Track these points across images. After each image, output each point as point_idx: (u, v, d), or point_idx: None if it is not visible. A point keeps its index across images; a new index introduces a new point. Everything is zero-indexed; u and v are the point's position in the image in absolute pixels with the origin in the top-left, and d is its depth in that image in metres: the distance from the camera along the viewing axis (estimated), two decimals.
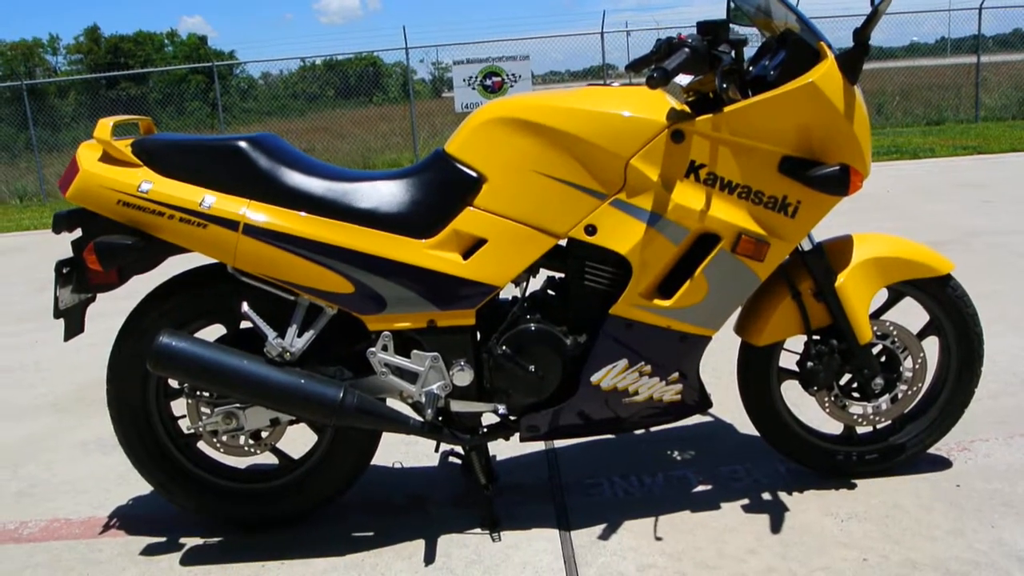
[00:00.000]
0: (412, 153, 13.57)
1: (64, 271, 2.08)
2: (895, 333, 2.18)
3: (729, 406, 2.31)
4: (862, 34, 1.86)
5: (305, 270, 1.97)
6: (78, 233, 2.07)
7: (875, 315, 2.22)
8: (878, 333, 2.17)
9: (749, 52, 2.22)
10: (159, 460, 2.20)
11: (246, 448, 2.18)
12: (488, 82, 12.64)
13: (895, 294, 2.22)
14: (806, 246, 2.07)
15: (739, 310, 2.20)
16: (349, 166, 14.02)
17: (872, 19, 1.83)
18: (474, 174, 1.97)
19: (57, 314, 2.10)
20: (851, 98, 1.90)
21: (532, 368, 2.02)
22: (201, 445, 2.25)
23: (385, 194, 2.01)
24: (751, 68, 2.17)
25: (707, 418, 2.74)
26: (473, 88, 12.69)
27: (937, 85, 16.31)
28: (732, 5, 2.27)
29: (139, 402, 2.16)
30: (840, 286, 2.08)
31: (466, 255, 1.98)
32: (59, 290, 2.08)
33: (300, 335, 2.06)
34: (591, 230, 1.94)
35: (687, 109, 1.93)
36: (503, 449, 2.56)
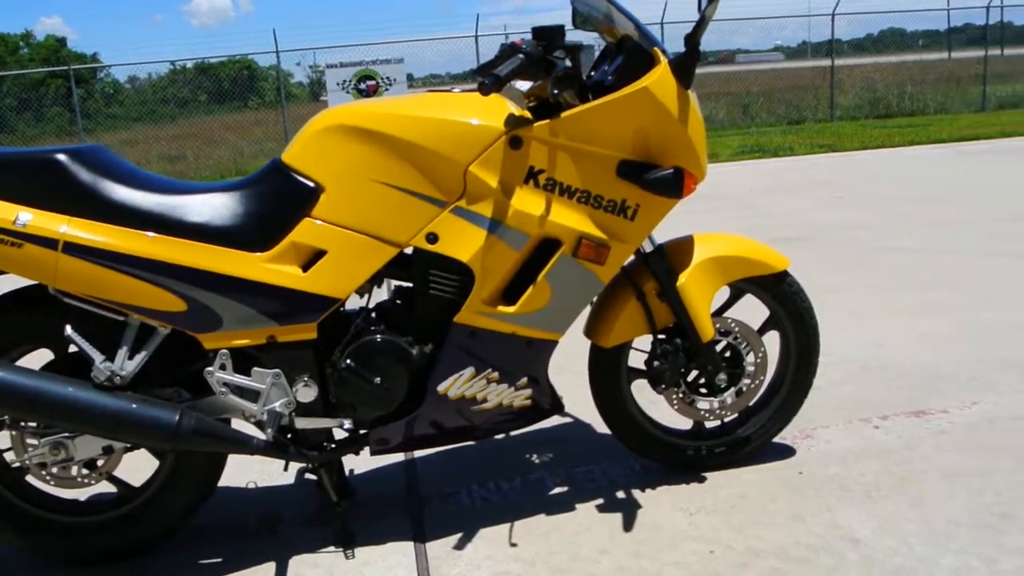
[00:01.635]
0: None
1: None
2: (737, 329, 2.25)
3: (589, 406, 2.34)
4: (692, 40, 1.91)
5: (133, 289, 1.87)
6: None
7: (718, 313, 2.29)
8: (720, 330, 2.24)
9: (592, 57, 2.27)
10: None
11: (79, 479, 2.05)
12: (362, 86, 12.49)
13: (736, 291, 2.29)
14: (648, 248, 2.11)
15: (587, 312, 2.23)
16: (221, 173, 13.61)
17: (700, 25, 1.87)
18: (311, 184, 1.92)
19: None
20: (685, 102, 1.95)
21: (378, 380, 1.98)
22: (30, 479, 2.10)
23: (218, 207, 1.93)
24: (592, 73, 2.20)
25: (567, 419, 2.76)
26: (347, 92, 12.51)
27: (798, 86, 17.15)
28: (576, 11, 2.29)
29: None
30: (682, 286, 2.13)
31: (305, 267, 1.92)
32: None
33: (131, 357, 1.95)
34: (432, 238, 1.92)
35: (527, 115, 1.94)
36: (361, 462, 2.51)
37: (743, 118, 15.10)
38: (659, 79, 1.91)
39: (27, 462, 1.98)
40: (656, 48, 1.96)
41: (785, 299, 2.25)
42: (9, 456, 2.04)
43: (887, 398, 2.79)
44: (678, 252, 2.18)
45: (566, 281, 1.97)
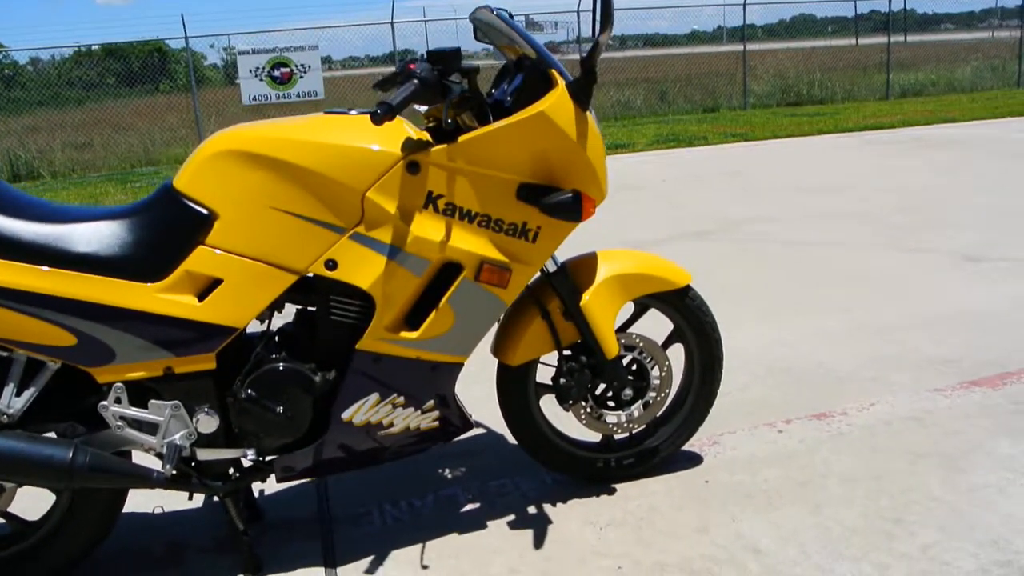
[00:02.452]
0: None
1: None
2: (641, 344, 2.29)
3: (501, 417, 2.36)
4: (588, 63, 1.91)
5: (16, 324, 1.79)
6: None
7: (623, 328, 2.32)
8: (625, 345, 2.27)
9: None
10: None
11: None
12: (276, 73, 12.19)
13: (640, 307, 2.32)
14: (551, 267, 2.12)
15: (493, 330, 2.23)
16: (131, 162, 13.13)
17: (595, 50, 1.88)
18: (205, 211, 1.86)
19: None
20: (583, 125, 1.95)
21: (280, 409, 1.94)
22: None
23: (107, 235, 1.85)
24: (492, 91, 2.19)
25: (480, 430, 2.77)
26: (261, 80, 12.20)
27: (714, 73, 17.46)
28: (476, 27, 2.27)
29: None
30: (585, 304, 2.15)
31: (201, 297, 1.87)
32: None
33: (18, 394, 1.87)
34: (332, 265, 1.88)
35: (425, 137, 1.92)
36: (271, 482, 2.46)
37: (660, 105, 15.31)
38: (556, 102, 1.91)
39: None
40: (553, 70, 1.96)
41: (688, 313, 2.30)
42: None
43: (790, 400, 2.87)
44: (581, 270, 2.20)
45: (469, 305, 1.97)
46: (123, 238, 1.86)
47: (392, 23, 12.78)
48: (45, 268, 1.80)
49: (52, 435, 1.93)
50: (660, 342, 2.34)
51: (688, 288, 2.28)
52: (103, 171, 12.75)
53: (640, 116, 14.35)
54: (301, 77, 12.23)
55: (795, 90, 15.31)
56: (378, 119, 1.69)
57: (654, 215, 6.07)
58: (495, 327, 2.22)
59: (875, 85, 15.54)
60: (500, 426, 2.75)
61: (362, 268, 1.88)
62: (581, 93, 1.93)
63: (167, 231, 1.86)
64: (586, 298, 2.15)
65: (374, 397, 1.99)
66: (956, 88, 15.78)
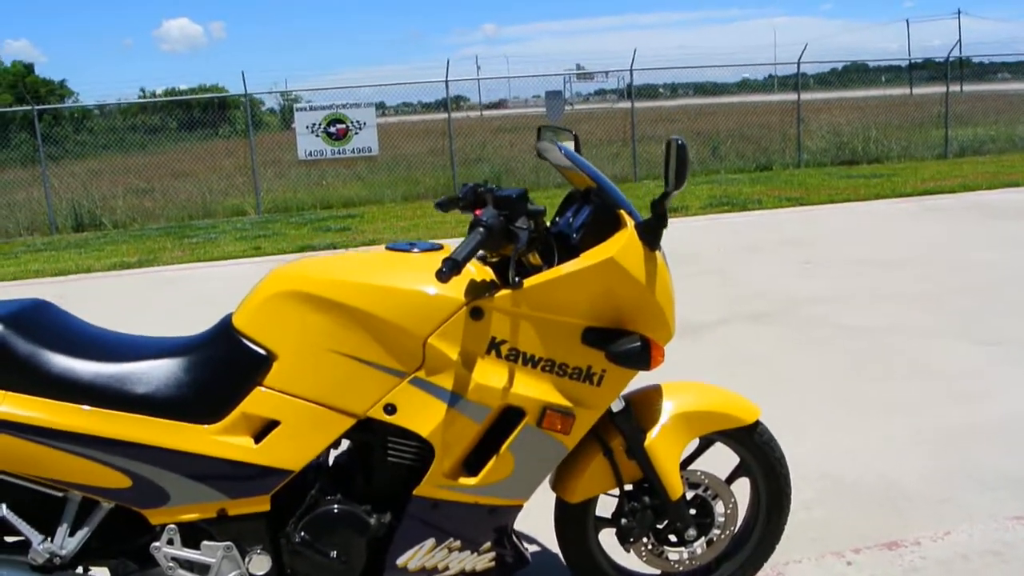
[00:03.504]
0: (254, 199, 13.08)
1: None
2: (706, 481, 2.19)
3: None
4: (659, 207, 1.86)
5: (73, 466, 1.77)
6: None
7: (687, 462, 2.23)
8: (689, 483, 2.18)
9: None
10: None
11: None
12: (332, 129, 12.40)
13: (705, 441, 2.23)
14: (616, 406, 2.05)
15: None
16: (189, 213, 13.39)
17: (665, 198, 1.84)
18: (263, 352, 1.83)
19: None
20: (652, 266, 1.90)
21: (334, 553, 1.89)
22: None
23: (163, 376, 1.84)
24: (557, 219, 2.15)
25: (534, 546, 2.68)
26: (317, 135, 12.41)
27: (766, 126, 17.34)
28: (540, 152, 2.24)
29: None
30: (650, 445, 2.07)
31: (258, 439, 1.84)
32: None
33: (72, 534, 1.85)
34: (391, 409, 1.84)
35: (489, 276, 1.87)
36: None
37: (712, 160, 15.22)
38: (625, 246, 1.86)
39: None
40: (622, 210, 1.91)
41: (756, 450, 2.20)
42: None
43: (858, 525, 2.74)
44: (646, 406, 2.12)
45: (530, 451, 1.90)
46: (180, 378, 1.84)
47: (447, 81, 12.95)
48: (102, 410, 1.78)
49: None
50: (725, 476, 2.24)
51: (757, 423, 2.19)
52: (162, 221, 13.02)
53: (693, 173, 14.22)
54: (356, 133, 12.42)
55: (850, 147, 15.11)
56: (444, 277, 1.65)
57: (707, 292, 5.95)
58: None
59: (933, 142, 15.28)
60: (553, 542, 2.67)
61: (421, 414, 1.84)
62: (650, 235, 1.88)
63: (225, 372, 1.84)
64: (650, 437, 2.07)
65: (430, 542, 1.93)
66: (1017, 145, 15.43)
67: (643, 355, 1.85)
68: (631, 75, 14.42)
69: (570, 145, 2.26)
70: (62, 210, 12.99)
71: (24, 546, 1.85)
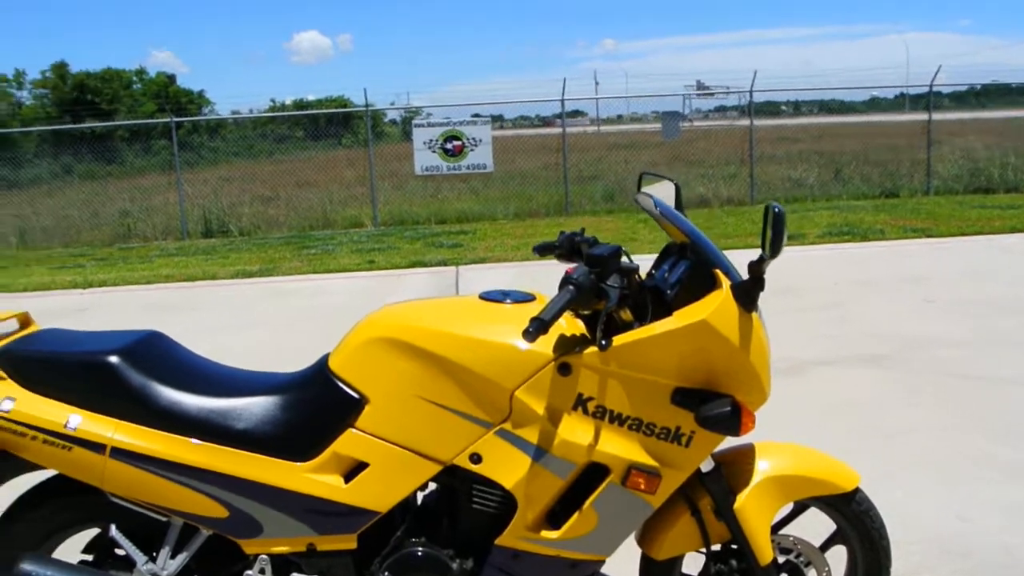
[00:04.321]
0: (372, 211, 13.48)
1: None
2: (798, 547, 2.12)
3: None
4: (757, 270, 1.82)
5: (177, 494, 1.87)
6: None
7: (779, 526, 2.16)
8: (780, 548, 2.11)
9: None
10: None
11: None
12: (448, 146, 12.65)
13: (799, 505, 2.16)
14: (706, 467, 2.00)
15: None
16: (309, 223, 13.92)
17: (762, 262, 1.79)
18: (356, 395, 1.89)
19: None
20: (747, 328, 1.85)
21: None
22: None
23: (262, 413, 1.92)
24: (653, 271, 2.12)
25: None
26: (434, 151, 12.69)
27: (894, 148, 16.62)
28: (636, 200, 2.22)
29: None
30: (740, 508, 2.01)
31: (347, 478, 1.89)
32: None
33: (173, 557, 1.95)
34: (476, 458, 1.86)
35: (579, 331, 1.87)
36: None
37: (834, 184, 14.69)
38: (719, 308, 1.82)
39: None
40: (718, 270, 1.87)
41: (854, 518, 2.11)
42: None
43: None
44: (737, 467, 2.07)
45: (614, 508, 1.89)
46: (277, 416, 1.91)
47: (563, 100, 13.01)
48: (206, 443, 1.88)
49: None
50: (819, 543, 2.16)
51: (856, 490, 2.10)
52: (284, 229, 13.57)
53: (813, 198, 13.78)
54: (472, 150, 12.63)
55: (985, 173, 14.29)
56: (530, 337, 1.66)
57: (817, 328, 5.73)
58: None
59: None
60: None
61: (506, 466, 1.85)
62: (746, 297, 1.84)
63: (319, 412, 1.91)
64: (740, 500, 2.01)
65: None
66: None
67: (733, 420, 1.81)
68: (750, 96, 14.10)
69: (670, 194, 2.23)
70: (193, 216, 13.73)
71: (129, 565, 1.96)
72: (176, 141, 13.69)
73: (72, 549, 2.08)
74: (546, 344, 1.84)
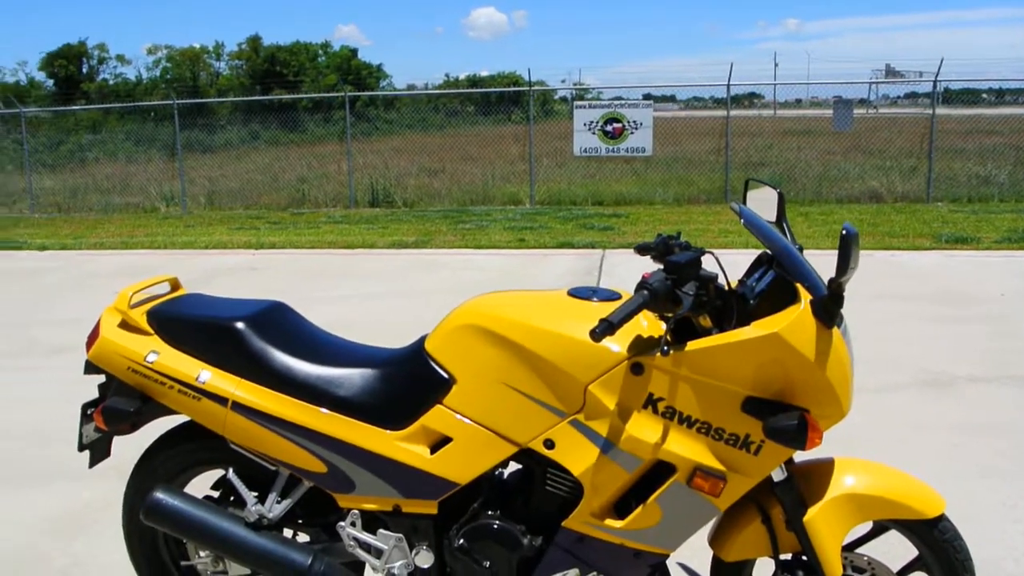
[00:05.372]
0: (528, 190, 13.72)
1: (88, 411, 2.30)
2: (872, 569, 2.10)
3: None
4: (836, 285, 1.81)
5: (284, 448, 2.10)
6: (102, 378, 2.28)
7: (857, 544, 2.14)
8: (853, 566, 2.09)
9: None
10: None
11: None
12: (608, 128, 12.65)
13: (879, 527, 2.13)
14: (777, 476, 2.02)
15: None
16: (470, 197, 14.36)
17: (845, 274, 1.78)
18: (445, 375, 2.05)
19: (81, 448, 2.31)
20: (825, 344, 1.85)
21: (487, 563, 2.06)
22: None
23: (363, 383, 2.11)
24: (745, 279, 2.14)
25: None
26: (593, 133, 12.73)
27: None
28: (732, 206, 2.24)
29: (148, 528, 2.34)
30: (810, 521, 2.01)
31: (432, 450, 2.05)
32: (83, 427, 2.29)
33: (279, 502, 2.19)
34: (550, 444, 1.97)
35: (657, 332, 1.94)
36: None
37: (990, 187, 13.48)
38: (794, 323, 1.83)
39: (196, 565, 2.30)
40: (799, 284, 1.88)
41: (936, 546, 2.06)
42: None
43: None
44: (813, 479, 2.07)
45: (677, 506, 1.95)
46: (375, 388, 2.10)
47: (728, 84, 12.70)
48: (311, 405, 2.09)
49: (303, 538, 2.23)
50: (898, 568, 2.12)
51: (940, 517, 2.05)
52: (445, 202, 14.07)
53: (1000, 198, 12.77)
54: (632, 133, 12.58)
55: None
56: (596, 337, 1.74)
57: (971, 342, 5.40)
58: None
59: None
60: None
61: (576, 454, 1.95)
62: (825, 313, 1.84)
63: (412, 387, 2.08)
64: (812, 513, 2.02)
65: (574, 572, 2.04)
66: None
67: (799, 435, 1.82)
68: (934, 84, 13.19)
69: (771, 201, 2.23)
70: (362, 185, 14.47)
71: (241, 505, 2.22)
72: (350, 113, 14.45)
73: (202, 486, 2.37)
74: (622, 343, 1.92)
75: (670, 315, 1.99)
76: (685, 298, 1.84)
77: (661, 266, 2.06)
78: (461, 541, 2.08)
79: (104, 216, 14.20)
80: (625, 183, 14.31)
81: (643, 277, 1.85)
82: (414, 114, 23.69)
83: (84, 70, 40.09)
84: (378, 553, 2.15)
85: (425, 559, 2.13)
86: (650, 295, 1.80)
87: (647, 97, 13.77)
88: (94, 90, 37.43)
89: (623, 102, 12.77)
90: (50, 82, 39.28)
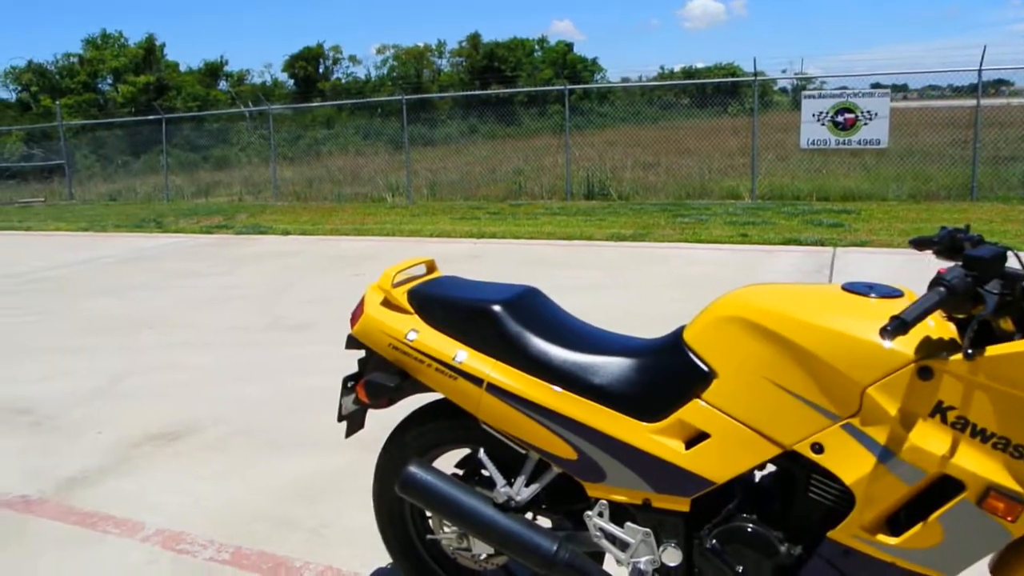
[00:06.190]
0: (750, 183, 13.24)
1: (349, 384, 2.43)
2: None
3: None
4: None
5: (536, 432, 2.11)
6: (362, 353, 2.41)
7: None
8: None
9: None
10: (407, 551, 2.50)
11: (476, 563, 2.39)
12: (839, 119, 11.92)
13: None
14: None
15: None
16: (687, 190, 14.08)
17: None
18: (706, 368, 1.97)
19: (340, 418, 2.46)
20: None
21: (740, 568, 1.97)
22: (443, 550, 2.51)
23: (618, 372, 2.08)
24: None
25: None
26: (823, 124, 12.06)
27: None
28: None
29: (396, 500, 2.46)
30: None
31: (688, 445, 1.99)
32: (343, 399, 2.44)
33: (527, 486, 2.21)
34: (818, 448, 1.85)
35: (947, 334, 1.76)
36: None
37: None
38: None
39: (440, 539, 2.38)
40: None
41: None
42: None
43: None
44: None
45: (963, 528, 1.76)
46: (631, 377, 2.06)
47: (980, 70, 11.57)
48: (566, 392, 2.09)
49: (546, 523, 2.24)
50: None
51: None
52: (661, 196, 13.88)
53: None
54: (865, 124, 11.79)
55: None
56: (889, 335, 1.60)
57: None
58: None
59: None
60: None
61: (848, 461, 1.81)
62: None
63: (669, 379, 2.02)
64: None
65: None
66: None
67: None
68: None
69: None
70: (578, 178, 14.58)
71: (491, 486, 2.26)
72: (568, 107, 14.58)
73: (447, 463, 2.44)
74: (908, 344, 1.76)
75: (962, 316, 1.80)
76: (988, 297, 1.65)
77: (944, 263, 1.88)
78: (713, 542, 2.00)
79: (337, 205, 15.27)
80: (854, 178, 13.45)
81: (938, 273, 1.68)
82: (628, 107, 23.56)
83: (320, 70, 43.30)
84: (624, 546, 2.12)
85: (672, 556, 2.06)
86: (948, 292, 1.64)
87: (876, 86, 12.85)
88: (329, 88, 40.36)
89: (855, 91, 11.96)
90: (291, 82, 42.79)
